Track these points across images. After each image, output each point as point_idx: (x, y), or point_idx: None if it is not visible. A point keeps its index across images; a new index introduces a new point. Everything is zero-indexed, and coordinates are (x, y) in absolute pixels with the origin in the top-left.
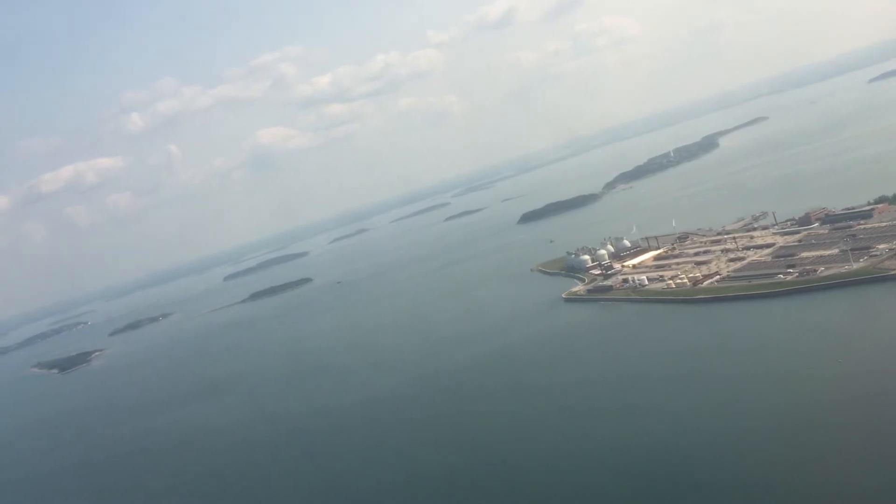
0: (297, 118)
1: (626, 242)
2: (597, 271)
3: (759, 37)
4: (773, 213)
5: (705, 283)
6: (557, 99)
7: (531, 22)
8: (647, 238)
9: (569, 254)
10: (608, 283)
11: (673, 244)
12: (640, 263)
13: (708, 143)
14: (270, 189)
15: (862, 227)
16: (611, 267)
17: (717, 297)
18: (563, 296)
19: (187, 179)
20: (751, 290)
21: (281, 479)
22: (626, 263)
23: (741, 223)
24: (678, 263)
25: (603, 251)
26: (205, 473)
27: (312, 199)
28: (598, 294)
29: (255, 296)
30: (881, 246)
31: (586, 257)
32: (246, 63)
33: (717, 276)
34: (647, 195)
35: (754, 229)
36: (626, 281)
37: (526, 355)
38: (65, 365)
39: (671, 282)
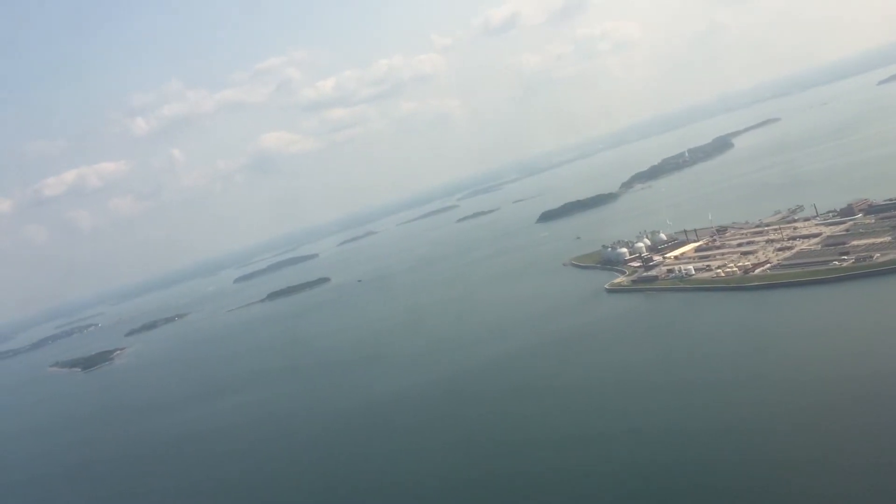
0: (300, 122)
1: (663, 236)
2: (636, 263)
3: (760, 40)
4: (815, 205)
5: (756, 271)
6: (560, 102)
7: (535, 26)
8: (685, 231)
9: (605, 247)
10: (652, 273)
11: (712, 236)
12: (681, 255)
13: (722, 144)
14: (272, 193)
15: None
16: (650, 259)
17: (772, 284)
18: (606, 287)
19: (190, 183)
20: (806, 276)
21: (324, 476)
22: (667, 255)
23: (778, 216)
24: (722, 254)
25: (640, 244)
26: (250, 468)
27: (314, 203)
28: (643, 284)
29: (273, 295)
30: None
31: (624, 250)
32: (252, 66)
33: (768, 265)
34: (669, 193)
35: (795, 221)
36: (670, 271)
37: (581, 343)
38: (87, 363)
39: (720, 271)
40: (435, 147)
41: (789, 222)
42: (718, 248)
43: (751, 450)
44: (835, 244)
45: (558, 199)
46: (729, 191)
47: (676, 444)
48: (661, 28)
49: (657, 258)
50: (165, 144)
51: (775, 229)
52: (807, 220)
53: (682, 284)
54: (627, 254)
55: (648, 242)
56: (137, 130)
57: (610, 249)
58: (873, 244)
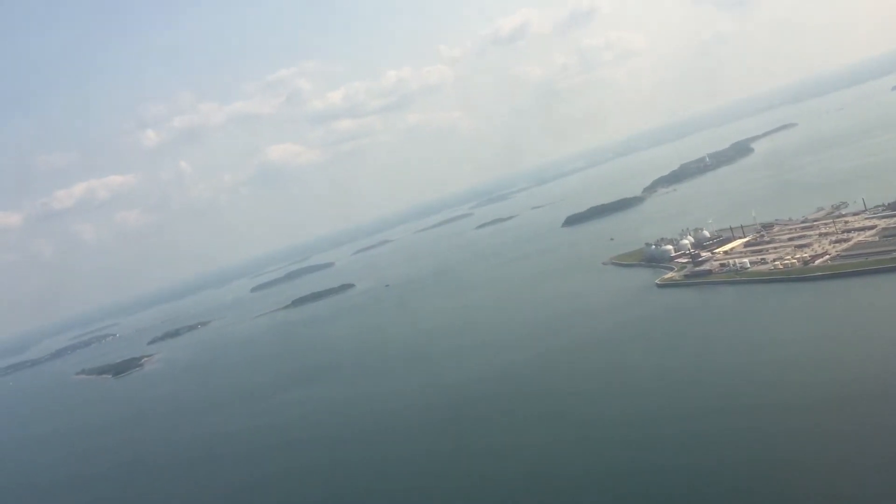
0: (307, 134)
1: (706, 233)
2: (683, 260)
3: (764, 49)
4: (863, 199)
5: (817, 262)
6: (565, 112)
7: (542, 36)
8: (729, 228)
9: (647, 245)
10: (705, 268)
11: (759, 232)
12: (730, 250)
13: (741, 148)
14: (278, 205)
15: None
16: (698, 255)
17: (837, 273)
18: (657, 282)
19: (197, 195)
20: (871, 265)
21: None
22: (716, 250)
23: (822, 212)
24: (775, 248)
25: (685, 241)
26: (322, 458)
27: (321, 214)
28: (696, 279)
29: (298, 301)
30: None
31: (669, 247)
32: (263, 77)
33: (827, 256)
34: (698, 195)
35: (843, 216)
36: (724, 265)
37: (646, 333)
38: (117, 370)
39: (778, 263)
40: (441, 158)
41: (837, 217)
42: (768, 242)
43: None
44: (894, 234)
45: (579, 205)
46: (761, 191)
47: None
48: (665, 38)
49: (705, 254)
50: (174, 157)
51: (826, 223)
52: (856, 214)
53: (739, 277)
54: (673, 251)
55: (692, 240)
56: (148, 142)
57: (654, 247)
58: None
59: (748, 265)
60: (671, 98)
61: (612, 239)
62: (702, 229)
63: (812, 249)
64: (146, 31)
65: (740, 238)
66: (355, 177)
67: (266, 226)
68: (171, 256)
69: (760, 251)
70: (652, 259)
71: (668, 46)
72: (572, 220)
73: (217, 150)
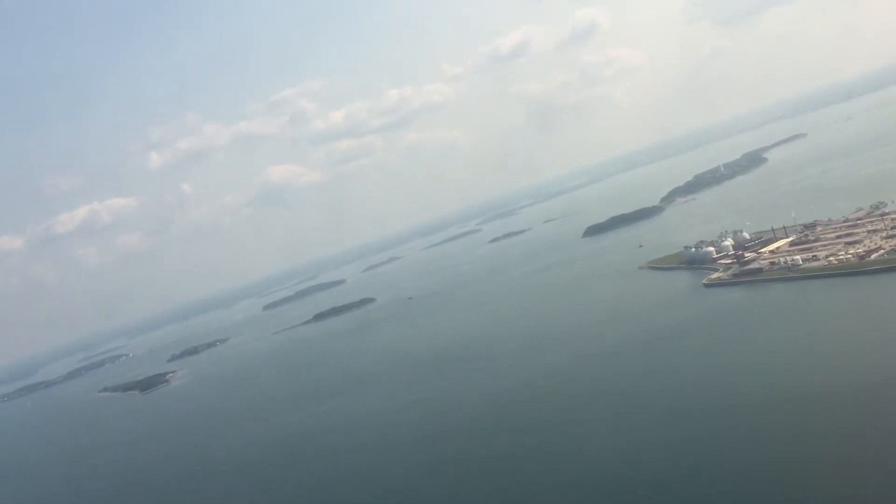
0: (308, 154)
1: (746, 235)
2: (727, 260)
3: (761, 64)
4: None
5: (872, 256)
6: (565, 129)
7: (543, 53)
8: (772, 229)
9: (687, 248)
10: (755, 266)
11: (802, 231)
12: (776, 249)
13: (755, 158)
14: (281, 226)
15: None
16: (743, 255)
17: (893, 267)
18: (704, 282)
19: (199, 217)
20: None
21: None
22: (761, 251)
23: (862, 212)
24: (824, 245)
25: (727, 242)
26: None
27: (321, 235)
28: (746, 277)
29: (319, 316)
30: None
31: (711, 249)
32: (267, 97)
33: (882, 251)
34: (719, 202)
35: (886, 214)
36: (774, 263)
37: (705, 331)
38: (143, 386)
39: (832, 259)
40: (442, 176)
41: (881, 216)
42: (814, 241)
43: None
44: None
45: (594, 217)
46: (789, 195)
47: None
48: (663, 55)
49: (749, 255)
50: (178, 180)
51: (872, 221)
52: None
53: (792, 274)
54: (714, 252)
55: (732, 242)
56: (152, 166)
57: (694, 250)
58: None
59: (800, 262)
60: (670, 114)
61: (640, 246)
62: (741, 231)
63: (864, 245)
64: (152, 52)
65: (783, 238)
66: (355, 197)
67: (268, 247)
68: (174, 279)
69: (809, 249)
70: (692, 261)
71: (667, 63)
72: (593, 231)
73: (220, 172)
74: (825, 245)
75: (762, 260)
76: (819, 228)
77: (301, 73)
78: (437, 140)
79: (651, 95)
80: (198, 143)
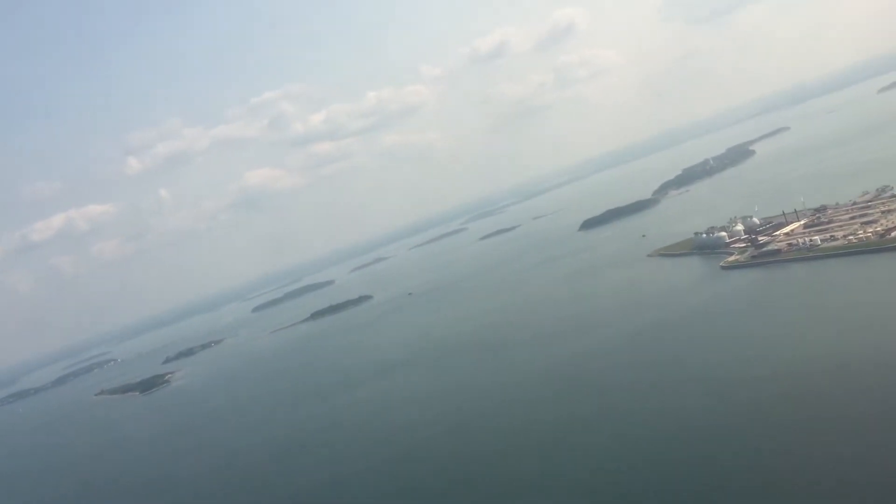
0: (286, 158)
1: (755, 220)
2: (741, 244)
3: (736, 62)
4: None
5: (892, 234)
6: (541, 130)
7: (521, 54)
8: (782, 213)
9: (697, 234)
10: (774, 247)
11: (814, 214)
12: (791, 232)
13: (742, 151)
14: (259, 229)
15: None
16: (757, 239)
17: None
18: (721, 265)
19: (179, 221)
20: None
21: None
22: (775, 233)
23: (868, 196)
24: (839, 226)
25: (738, 227)
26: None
27: (301, 238)
28: (764, 259)
29: (317, 314)
30: None
31: (723, 234)
32: (248, 101)
33: None
34: (715, 193)
35: (894, 196)
36: (791, 245)
37: (731, 312)
38: (143, 387)
39: (851, 238)
40: (421, 177)
41: (890, 197)
42: (828, 223)
43: None
44: None
45: (585, 212)
46: (790, 183)
47: None
48: (639, 54)
49: (763, 238)
50: (157, 185)
51: (884, 202)
52: None
53: (812, 254)
54: (727, 237)
55: (742, 227)
56: (130, 172)
57: (705, 236)
58: None
59: (819, 242)
60: (645, 113)
61: (643, 236)
62: (750, 217)
63: (881, 224)
64: (133, 55)
65: (795, 222)
66: (335, 199)
67: (247, 252)
68: (155, 285)
69: (825, 230)
70: (704, 247)
71: (641, 62)
72: (589, 224)
73: (200, 176)
74: (841, 226)
75: (778, 242)
76: (830, 211)
77: (282, 76)
78: (414, 142)
79: (627, 95)
80: (178, 147)
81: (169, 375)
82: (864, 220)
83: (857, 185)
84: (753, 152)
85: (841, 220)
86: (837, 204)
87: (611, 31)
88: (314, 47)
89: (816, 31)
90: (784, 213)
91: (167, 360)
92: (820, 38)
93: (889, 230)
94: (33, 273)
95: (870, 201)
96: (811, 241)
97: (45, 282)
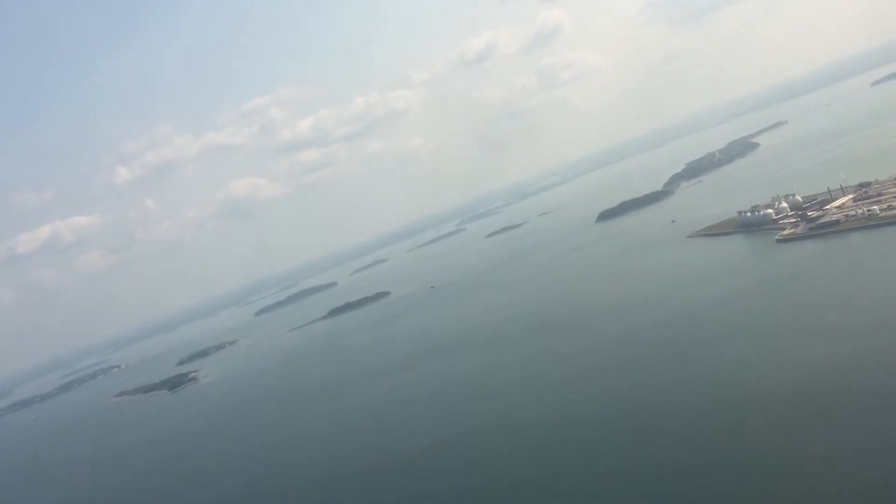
0: (272, 166)
1: (798, 198)
2: (790, 220)
3: (720, 62)
4: None
5: None
6: (526, 132)
7: (509, 57)
8: (828, 190)
9: (741, 213)
10: (832, 219)
11: (860, 189)
12: (841, 206)
13: (746, 144)
14: (248, 237)
15: None
16: (806, 214)
17: None
18: (777, 238)
19: (168, 229)
20: None
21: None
22: (824, 208)
23: None
24: (893, 197)
25: (784, 204)
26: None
27: (289, 244)
28: (822, 230)
29: (335, 311)
30: None
31: (770, 211)
32: (238, 107)
33: None
34: (733, 181)
35: None
36: (848, 216)
37: (804, 278)
38: (170, 385)
39: None
40: (410, 180)
41: None
42: (878, 196)
43: None
44: None
45: (592, 207)
46: (813, 169)
47: None
48: (622, 56)
49: (812, 213)
50: (144, 193)
51: None
52: None
53: (872, 222)
54: (773, 214)
55: (787, 205)
56: (118, 180)
57: (750, 214)
58: None
59: (878, 211)
60: (630, 114)
61: (673, 221)
62: (793, 195)
63: None
64: (123, 61)
65: (843, 197)
66: (322, 206)
67: (237, 259)
68: (146, 294)
69: (878, 202)
70: (749, 225)
71: (624, 64)
72: (607, 215)
73: (190, 185)
74: (894, 196)
75: (832, 215)
76: (876, 185)
77: (274, 81)
78: (399, 148)
79: (610, 97)
80: (167, 155)
81: (193, 374)
82: None
83: (877, 169)
84: (757, 145)
85: (891, 193)
86: (877, 180)
87: (594, 34)
88: (305, 51)
89: (798, 30)
90: (829, 190)
91: (181, 362)
92: (802, 38)
93: None
94: (21, 285)
95: None
96: (869, 210)
97: (33, 293)
